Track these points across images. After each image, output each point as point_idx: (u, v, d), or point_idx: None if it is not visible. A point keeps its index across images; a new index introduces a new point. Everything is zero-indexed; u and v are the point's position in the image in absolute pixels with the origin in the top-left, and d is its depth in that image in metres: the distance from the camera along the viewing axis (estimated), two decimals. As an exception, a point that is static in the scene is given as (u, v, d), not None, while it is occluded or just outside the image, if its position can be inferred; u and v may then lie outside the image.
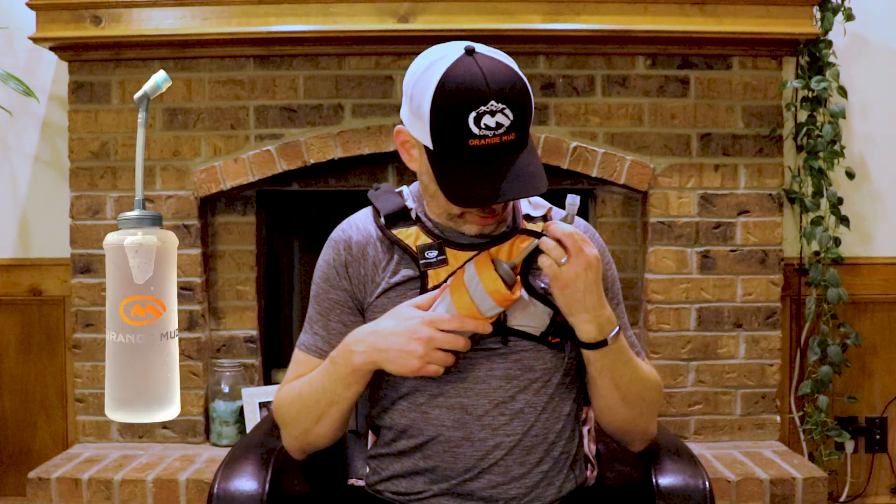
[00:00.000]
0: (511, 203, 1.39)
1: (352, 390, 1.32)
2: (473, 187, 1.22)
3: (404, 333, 1.26)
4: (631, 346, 1.38)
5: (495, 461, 1.32)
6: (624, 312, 1.44)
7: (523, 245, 1.31)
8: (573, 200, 1.24)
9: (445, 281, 1.32)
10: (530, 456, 1.33)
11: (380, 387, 1.40)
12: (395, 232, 1.37)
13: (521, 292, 1.31)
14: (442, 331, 1.25)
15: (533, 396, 1.34)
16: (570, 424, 1.38)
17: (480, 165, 1.21)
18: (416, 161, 1.32)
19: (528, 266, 1.32)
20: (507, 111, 1.20)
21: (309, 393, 1.36)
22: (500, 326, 1.32)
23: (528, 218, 1.40)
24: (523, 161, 1.23)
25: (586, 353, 1.30)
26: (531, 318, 1.33)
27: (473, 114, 1.19)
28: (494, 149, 1.21)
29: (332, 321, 1.39)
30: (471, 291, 1.25)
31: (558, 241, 1.24)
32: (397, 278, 1.36)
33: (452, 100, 1.20)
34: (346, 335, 1.34)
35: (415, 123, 1.27)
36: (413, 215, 1.38)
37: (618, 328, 1.29)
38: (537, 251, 1.27)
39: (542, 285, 1.31)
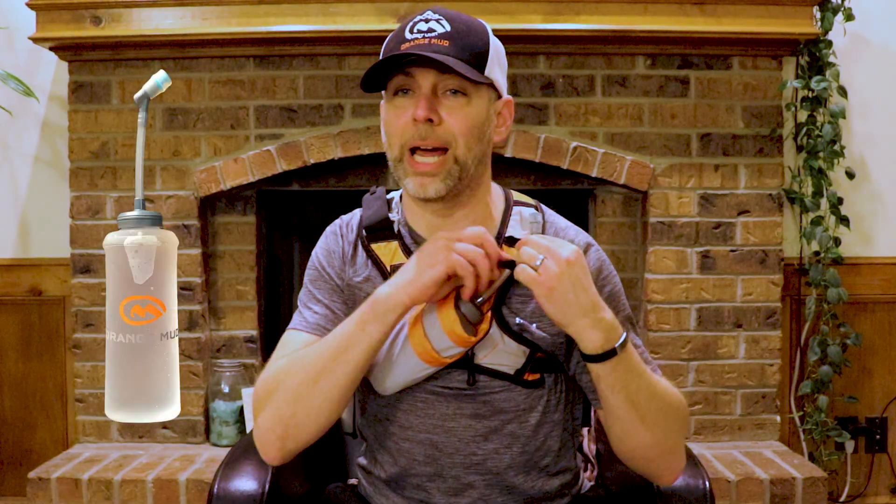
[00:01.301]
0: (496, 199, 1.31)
1: (366, 333, 1.15)
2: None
3: (419, 255, 1.17)
4: (646, 363, 1.24)
5: (472, 500, 1.27)
6: (633, 328, 1.30)
7: (496, 276, 1.17)
8: (533, 217, 1.25)
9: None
10: (512, 496, 1.27)
11: (360, 396, 1.36)
12: (373, 246, 1.30)
13: (490, 328, 1.20)
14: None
15: (508, 437, 1.26)
16: (564, 454, 1.32)
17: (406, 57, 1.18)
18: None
19: (504, 299, 1.23)
20: (444, 22, 1.20)
21: (312, 351, 1.21)
22: (469, 363, 1.23)
23: (511, 241, 1.26)
24: (443, 57, 1.16)
25: (594, 368, 1.15)
26: (503, 357, 1.23)
27: (409, 24, 1.21)
28: (420, 47, 1.17)
29: (336, 302, 1.30)
30: (426, 329, 1.17)
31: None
32: (369, 287, 1.26)
33: (399, 26, 1.23)
34: (337, 314, 1.28)
35: None
36: (395, 228, 1.30)
37: (625, 335, 1.15)
38: (511, 281, 1.16)
39: (519, 321, 1.23)
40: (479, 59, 1.20)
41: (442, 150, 1.19)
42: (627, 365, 1.16)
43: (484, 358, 1.24)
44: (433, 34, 1.18)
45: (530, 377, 1.25)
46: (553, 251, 1.11)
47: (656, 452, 1.23)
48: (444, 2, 2.48)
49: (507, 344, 1.23)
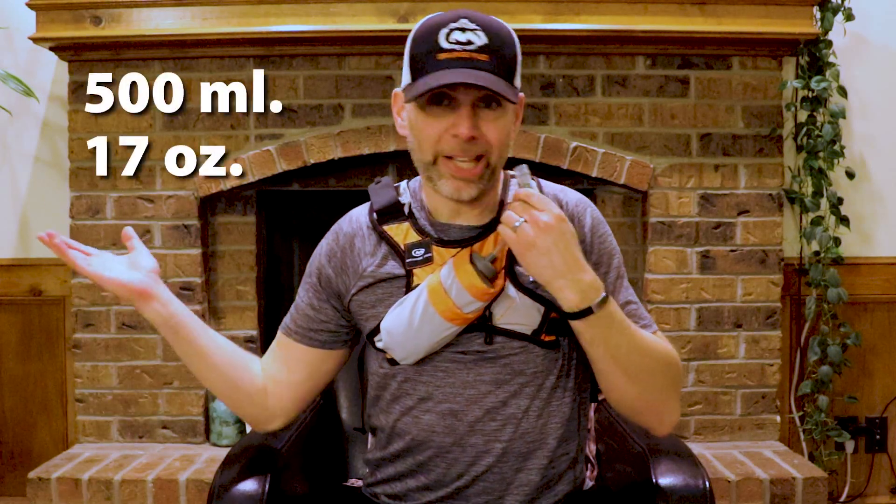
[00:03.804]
0: (499, 182, 1.33)
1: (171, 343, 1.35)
2: (428, 83, 1.18)
3: None
4: (639, 319, 1.31)
5: (487, 467, 1.29)
6: (626, 286, 1.35)
7: None
8: (521, 168, 1.23)
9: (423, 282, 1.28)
10: (527, 461, 1.30)
11: (372, 386, 1.39)
12: (385, 228, 1.34)
13: (505, 287, 1.26)
14: None
15: (526, 401, 1.29)
16: (572, 426, 1.34)
17: (445, 72, 1.18)
18: (405, 124, 1.29)
19: (515, 259, 1.26)
20: (481, 33, 1.20)
21: None
22: (486, 325, 1.28)
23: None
24: (491, 77, 1.18)
25: (573, 324, 1.20)
26: (519, 315, 1.28)
27: (444, 30, 1.20)
28: (462, 62, 1.18)
29: (302, 301, 1.41)
30: (446, 288, 1.23)
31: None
32: (382, 273, 1.33)
33: (428, 27, 1.22)
34: (311, 316, 1.39)
35: (404, 74, 1.26)
36: (406, 210, 1.35)
37: (605, 294, 1.19)
38: None
39: (532, 279, 1.25)
40: (511, 68, 1.23)
41: (478, 157, 1.24)
42: (607, 322, 1.20)
43: (501, 318, 1.28)
44: (472, 47, 1.19)
45: (547, 338, 1.29)
46: (533, 215, 1.15)
47: (643, 404, 1.28)
48: (445, 2, 2.49)
49: (522, 301, 1.27)
